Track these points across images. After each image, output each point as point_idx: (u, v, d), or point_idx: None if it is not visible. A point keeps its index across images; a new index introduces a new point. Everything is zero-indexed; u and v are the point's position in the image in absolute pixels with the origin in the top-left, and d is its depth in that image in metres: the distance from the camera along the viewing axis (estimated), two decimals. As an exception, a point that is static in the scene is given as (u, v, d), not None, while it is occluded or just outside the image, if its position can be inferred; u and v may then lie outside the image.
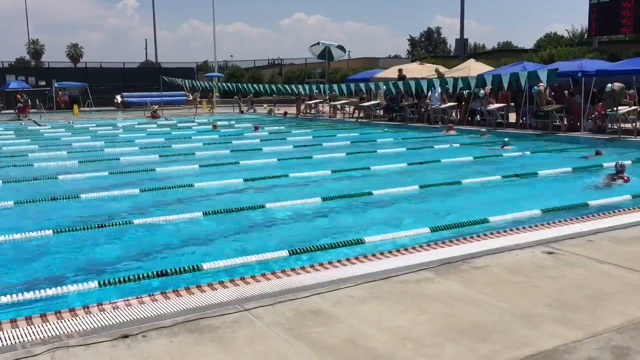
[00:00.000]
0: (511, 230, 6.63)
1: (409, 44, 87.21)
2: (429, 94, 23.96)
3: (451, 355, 3.56)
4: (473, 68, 24.45)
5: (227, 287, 4.85)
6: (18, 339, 3.83)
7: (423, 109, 24.27)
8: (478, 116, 22.05)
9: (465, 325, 3.98)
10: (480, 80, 20.31)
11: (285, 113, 31.11)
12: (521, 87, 18.80)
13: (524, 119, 20.28)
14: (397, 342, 3.74)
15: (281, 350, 3.64)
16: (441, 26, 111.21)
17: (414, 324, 4.02)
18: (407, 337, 3.80)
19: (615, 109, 16.66)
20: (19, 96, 31.94)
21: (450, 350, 3.61)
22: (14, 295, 4.86)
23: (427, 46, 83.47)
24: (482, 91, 20.69)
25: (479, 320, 4.07)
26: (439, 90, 22.46)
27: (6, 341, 3.79)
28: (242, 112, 33.41)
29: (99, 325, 4.05)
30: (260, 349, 3.66)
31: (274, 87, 27.82)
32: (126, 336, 3.84)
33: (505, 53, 41.32)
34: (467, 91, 22.22)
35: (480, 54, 47.81)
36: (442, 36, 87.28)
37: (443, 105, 22.77)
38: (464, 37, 36.62)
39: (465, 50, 36.50)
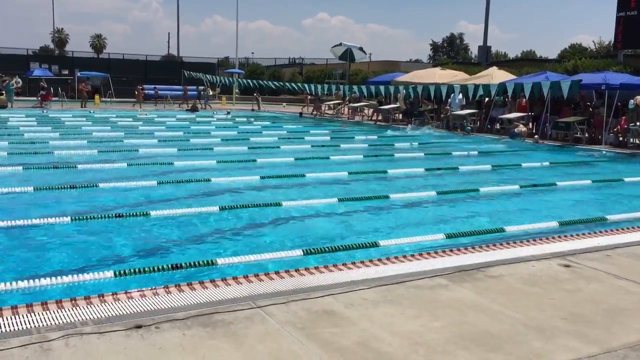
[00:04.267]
0: (527, 241, 6.58)
1: (431, 49, 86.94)
2: (449, 100, 23.93)
3: (463, 364, 3.54)
4: (495, 76, 24.29)
5: (241, 284, 4.87)
6: (33, 323, 3.88)
7: (442, 115, 24.19)
8: (498, 124, 21.92)
9: (478, 334, 3.95)
10: (502, 88, 20.22)
11: (301, 114, 31.16)
12: (543, 96, 18.69)
13: (544, 129, 20.12)
14: (409, 347, 3.73)
15: (293, 349, 3.65)
16: (464, 32, 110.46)
17: (427, 329, 4.01)
18: (419, 343, 3.79)
19: (637, 123, 16.47)
20: (41, 83, 32.35)
21: (462, 359, 3.59)
22: (31, 281, 4.92)
23: (449, 52, 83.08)
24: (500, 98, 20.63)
25: (492, 329, 4.04)
26: (460, 96, 22.43)
27: (22, 325, 3.84)
28: (252, 110, 33.52)
29: (113, 314, 4.09)
30: (272, 346, 3.67)
31: (294, 85, 27.89)
32: (139, 327, 3.87)
33: (528, 62, 41.02)
34: (487, 98, 22.14)
35: (502, 62, 47.54)
36: (464, 42, 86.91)
37: (462, 112, 22.69)
38: (487, 45, 36.32)
39: (487, 58, 36.24)
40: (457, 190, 10.34)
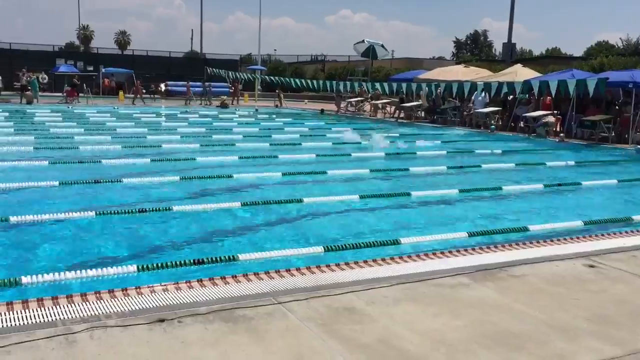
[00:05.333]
0: (551, 240, 6.50)
1: (454, 46, 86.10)
2: (472, 97, 23.72)
3: (485, 363, 3.51)
4: (519, 73, 24.01)
5: (262, 279, 4.89)
6: (58, 316, 3.94)
7: (465, 112, 24.00)
8: (522, 122, 21.67)
9: (500, 334, 3.92)
10: (526, 85, 19.99)
11: (322, 110, 31.16)
12: (569, 95, 18.43)
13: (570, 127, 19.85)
14: (430, 345, 3.71)
15: (313, 345, 3.66)
16: (488, 29, 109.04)
17: (448, 328, 3.98)
18: (440, 341, 3.77)
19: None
20: (74, 80, 32.84)
21: (484, 358, 3.57)
22: (56, 274, 4.99)
23: (473, 49, 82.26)
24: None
25: (514, 329, 4.00)
26: (483, 94, 22.23)
27: (47, 318, 3.90)
28: (276, 106, 33.66)
29: (137, 308, 4.13)
30: (292, 342, 3.68)
31: (315, 83, 27.90)
32: (162, 320, 3.91)
33: (553, 60, 40.42)
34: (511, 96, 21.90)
35: (527, 59, 46.95)
36: (488, 40, 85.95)
37: (486, 110, 22.48)
38: (512, 42, 35.86)
39: (512, 55, 35.76)
40: (480, 188, 10.26)
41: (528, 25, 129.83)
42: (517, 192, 10.26)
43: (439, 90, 24.26)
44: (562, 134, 19.11)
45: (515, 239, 6.71)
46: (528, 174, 12.49)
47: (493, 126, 21.46)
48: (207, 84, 35.53)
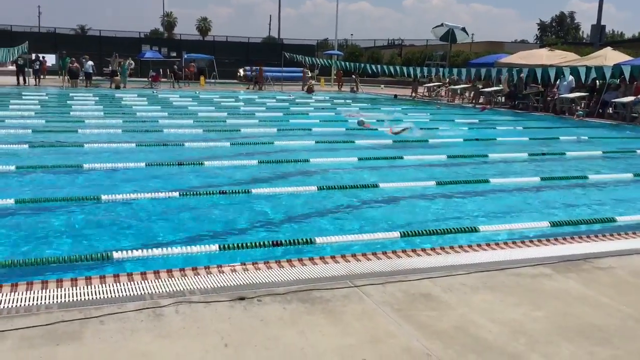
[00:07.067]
0: (641, 232, 6.18)
1: (538, 29, 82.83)
2: (557, 83, 22.77)
3: (566, 356, 3.42)
4: (609, 57, 22.81)
5: (338, 262, 4.95)
6: (147, 290, 4.15)
7: (549, 98, 23.08)
8: (610, 109, 20.62)
9: (583, 326, 3.80)
10: (617, 70, 18.99)
11: (396, 95, 30.84)
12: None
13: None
14: (509, 335, 3.64)
15: (390, 330, 3.68)
16: (575, 11, 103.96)
17: (528, 318, 3.90)
18: (520, 332, 3.69)
19: None
20: (175, 67, 34.16)
21: (566, 350, 3.47)
22: (144, 250, 5.25)
23: (558, 32, 78.78)
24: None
25: (599, 322, 3.86)
26: (570, 78, 21.29)
27: (136, 291, 4.13)
28: (352, 90, 33.58)
29: (218, 285, 4.29)
30: (369, 325, 3.72)
31: (391, 68, 27.66)
32: (242, 298, 4.04)
33: (646, 42, 38.12)
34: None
35: (617, 42, 44.44)
36: (575, 21, 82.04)
37: (572, 95, 21.52)
38: (601, 24, 34.06)
39: (601, 38, 34.00)
40: (563, 176, 9.88)
41: (619, 5, 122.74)
42: (604, 181, 9.81)
43: (521, 75, 23.44)
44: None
45: (601, 230, 6.44)
46: (616, 162, 11.90)
47: (581, 112, 20.51)
48: (254, 68, 35.79)
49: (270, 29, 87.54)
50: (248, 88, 33.56)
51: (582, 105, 21.59)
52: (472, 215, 7.39)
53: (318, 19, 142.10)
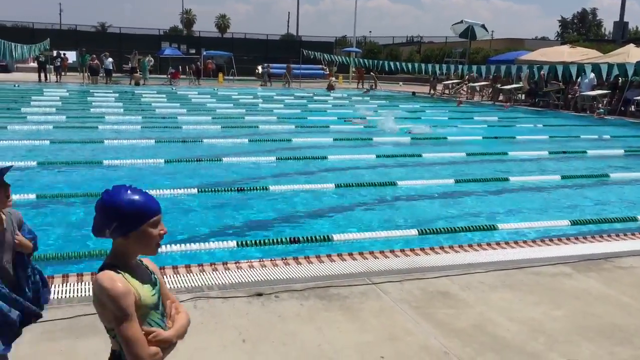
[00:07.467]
0: (664, 232, 6.08)
1: (560, 26, 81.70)
2: (578, 80, 22.48)
3: (587, 356, 3.38)
4: (632, 54, 22.42)
5: (356, 260, 4.95)
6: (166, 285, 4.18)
7: (570, 95, 22.79)
8: (633, 106, 20.31)
9: (604, 326, 3.75)
10: (640, 67, 18.70)
11: (414, 93, 30.67)
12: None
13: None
14: (528, 334, 3.61)
15: (407, 327, 3.66)
16: (597, 7, 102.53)
17: (548, 318, 3.86)
18: (539, 331, 3.66)
19: None
20: (198, 63, 34.42)
21: (586, 350, 3.43)
22: (163, 246, 5.27)
23: (580, 28, 77.70)
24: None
25: (620, 322, 3.81)
26: (591, 75, 20.99)
27: (155, 286, 4.15)
28: (371, 87, 33.48)
29: (236, 281, 4.31)
30: (386, 322, 3.71)
31: (409, 65, 27.52)
32: (260, 294, 4.05)
33: (671, 39, 37.44)
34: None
35: (640, 38, 43.74)
36: (597, 18, 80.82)
37: (593, 93, 21.23)
38: (624, 20, 33.55)
39: (624, 35, 33.49)
40: (584, 175, 9.77)
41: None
42: (626, 180, 9.68)
43: (542, 73, 23.16)
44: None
45: (622, 230, 6.35)
46: (638, 161, 11.72)
47: (601, 110, 20.24)
48: (265, 64, 35.85)
49: (288, 26, 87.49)
50: (262, 85, 33.62)
51: (604, 103, 21.29)
52: (491, 213, 7.32)
53: (336, 16, 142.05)
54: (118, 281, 1.79)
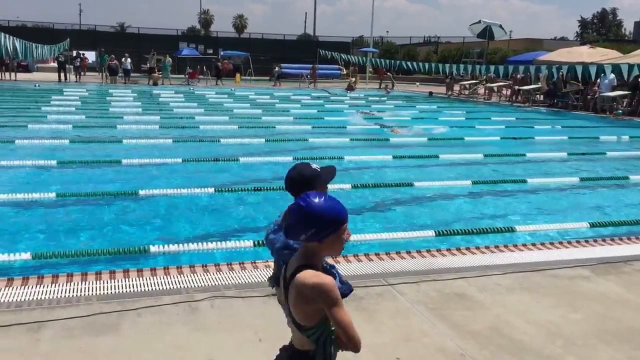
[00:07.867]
0: (685, 235, 6.00)
1: (579, 26, 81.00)
2: (598, 81, 22.22)
3: (604, 359, 3.35)
4: (653, 54, 22.15)
5: (372, 260, 4.95)
6: (183, 284, 4.22)
7: (589, 96, 22.54)
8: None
9: (623, 330, 3.71)
10: (661, 67, 18.44)
11: (431, 93, 30.53)
12: None
13: None
14: (546, 337, 3.59)
15: (423, 329, 3.66)
16: (618, 7, 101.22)
17: (565, 321, 3.83)
18: (556, 334, 3.63)
19: None
20: (218, 64, 34.55)
21: (604, 354, 3.40)
22: (180, 245, 5.34)
23: (600, 29, 76.89)
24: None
25: (639, 326, 3.77)
26: (611, 76, 20.74)
27: (173, 285, 4.20)
28: (388, 88, 33.38)
29: (253, 281, 4.33)
30: (402, 323, 3.71)
31: (426, 65, 27.41)
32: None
33: (693, 39, 36.89)
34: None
35: (662, 38, 43.12)
36: (617, 18, 79.91)
37: (613, 94, 20.98)
38: (645, 20, 33.09)
39: (644, 34, 33.03)
40: (603, 177, 9.66)
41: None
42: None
43: (561, 73, 22.94)
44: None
45: (642, 232, 6.27)
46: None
47: (619, 111, 19.99)
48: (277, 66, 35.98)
49: (305, 26, 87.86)
50: (274, 85, 33.69)
51: (624, 104, 21.02)
52: (509, 215, 7.28)
53: (353, 16, 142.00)
54: (324, 276, 1.90)
